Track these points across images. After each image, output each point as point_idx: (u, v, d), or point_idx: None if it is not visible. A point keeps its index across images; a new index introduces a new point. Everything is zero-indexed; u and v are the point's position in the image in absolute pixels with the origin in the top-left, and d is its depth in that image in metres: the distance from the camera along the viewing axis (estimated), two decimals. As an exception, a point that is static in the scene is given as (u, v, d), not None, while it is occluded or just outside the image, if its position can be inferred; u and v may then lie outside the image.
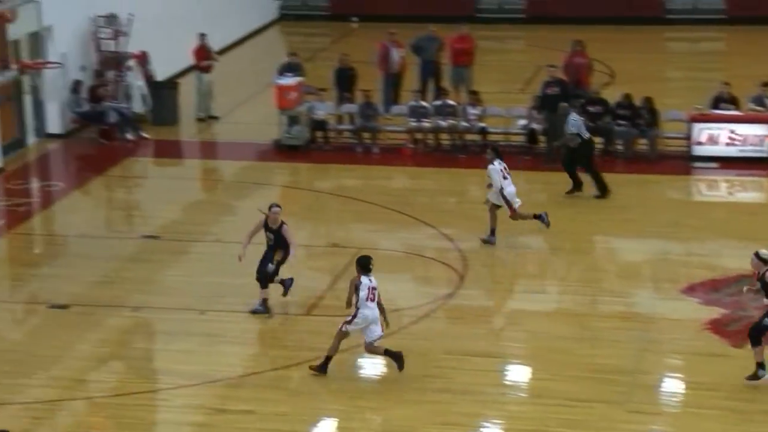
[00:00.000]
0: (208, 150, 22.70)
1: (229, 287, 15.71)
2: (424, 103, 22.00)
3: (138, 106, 23.16)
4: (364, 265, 13.37)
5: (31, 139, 21.81)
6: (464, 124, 21.55)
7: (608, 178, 19.37)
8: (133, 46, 23.30)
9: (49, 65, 17.67)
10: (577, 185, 19.11)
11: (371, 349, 13.39)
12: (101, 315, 14.94)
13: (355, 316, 13.27)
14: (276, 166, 21.03)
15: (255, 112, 23.90)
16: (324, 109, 21.95)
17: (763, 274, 12.86)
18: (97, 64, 23.02)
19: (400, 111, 22.43)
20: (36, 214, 18.79)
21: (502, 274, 16.53)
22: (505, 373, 13.71)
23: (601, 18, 30.99)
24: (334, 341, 13.33)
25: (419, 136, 21.79)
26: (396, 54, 23.37)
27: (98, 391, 13.10)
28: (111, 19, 22.95)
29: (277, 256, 15.06)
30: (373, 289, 13.31)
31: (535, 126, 21.40)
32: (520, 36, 31.86)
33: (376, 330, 13.29)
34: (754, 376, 12.92)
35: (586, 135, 19.03)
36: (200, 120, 23.44)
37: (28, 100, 21.70)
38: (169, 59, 25.19)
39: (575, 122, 18.93)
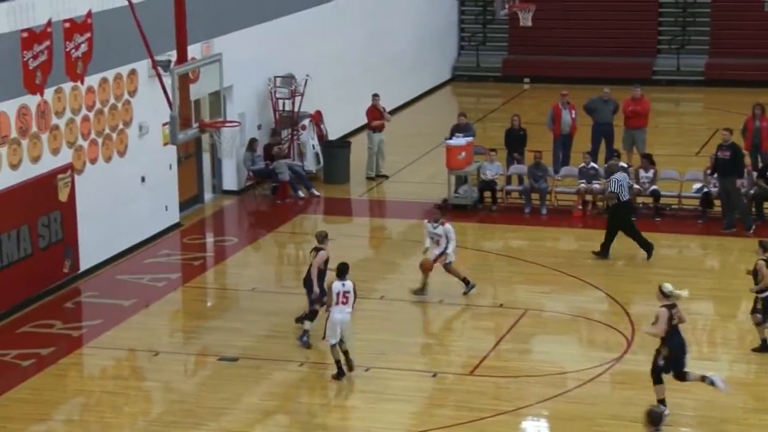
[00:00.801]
0: (377, 208, 22.96)
1: (393, 345, 15.80)
2: (595, 165, 21.79)
3: (310, 164, 23.68)
4: (340, 271, 14.59)
5: (208, 196, 22.52)
6: (636, 186, 21.21)
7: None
8: (307, 106, 23.88)
9: (228, 124, 18.22)
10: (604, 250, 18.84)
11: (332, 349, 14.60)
12: (269, 368, 15.18)
13: (327, 321, 14.62)
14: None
15: (424, 171, 24.08)
16: (493, 169, 21.97)
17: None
18: (273, 122, 23.66)
19: (569, 172, 22.28)
20: (210, 268, 19.30)
21: (671, 339, 16.10)
22: (673, 441, 13.34)
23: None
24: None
25: (589, 198, 21.57)
26: (567, 115, 23.26)
27: (263, 443, 13.33)
28: (288, 79, 23.58)
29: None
30: (345, 293, 14.48)
31: (710, 190, 20.93)
32: (698, 98, 31.27)
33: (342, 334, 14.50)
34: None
35: (625, 197, 18.83)
36: (370, 178, 23.78)
37: (206, 158, 22.47)
38: (342, 118, 25.71)
39: (618, 182, 18.73)
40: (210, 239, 20.98)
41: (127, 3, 16.65)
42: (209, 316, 17.35)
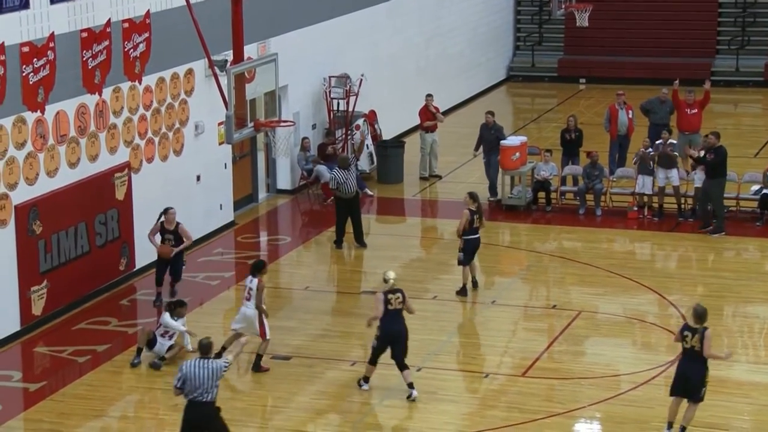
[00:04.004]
0: (430, 208, 22.94)
1: (445, 345, 15.82)
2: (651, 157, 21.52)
3: (364, 164, 23.72)
4: (253, 267, 15.18)
5: (262, 195, 22.64)
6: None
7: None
8: (361, 105, 23.92)
9: (283, 124, 18.31)
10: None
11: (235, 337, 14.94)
12: (321, 368, 15.24)
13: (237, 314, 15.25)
14: (496, 226, 21.01)
15: (478, 171, 23.99)
16: (548, 170, 21.88)
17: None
18: (327, 122, 23.74)
19: (624, 173, 22.13)
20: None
21: (728, 343, 15.93)
22: (728, 446, 13.21)
23: None
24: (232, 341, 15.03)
25: (644, 199, 21.39)
26: (624, 115, 23.09)
27: (313, 443, 13.39)
28: (343, 79, 23.63)
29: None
30: (249, 289, 14.92)
31: (768, 191, 20.73)
32: (758, 99, 30.92)
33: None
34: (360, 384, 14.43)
35: (350, 192, 19.64)
36: (424, 178, 23.78)
37: (261, 157, 22.60)
38: (396, 118, 25.73)
39: (335, 179, 19.53)
40: (264, 238, 21.09)
41: (185, 3, 16.80)
42: (263, 315, 17.44)
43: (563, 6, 26.39)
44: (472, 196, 17.44)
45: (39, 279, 16.46)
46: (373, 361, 14.35)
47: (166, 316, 15.51)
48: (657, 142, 21.46)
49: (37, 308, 16.48)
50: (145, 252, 18.51)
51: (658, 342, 15.98)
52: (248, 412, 14.05)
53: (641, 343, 16.13)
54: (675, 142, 21.50)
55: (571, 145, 22.52)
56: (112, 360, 15.51)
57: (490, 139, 22.23)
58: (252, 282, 15.04)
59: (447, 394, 14.44)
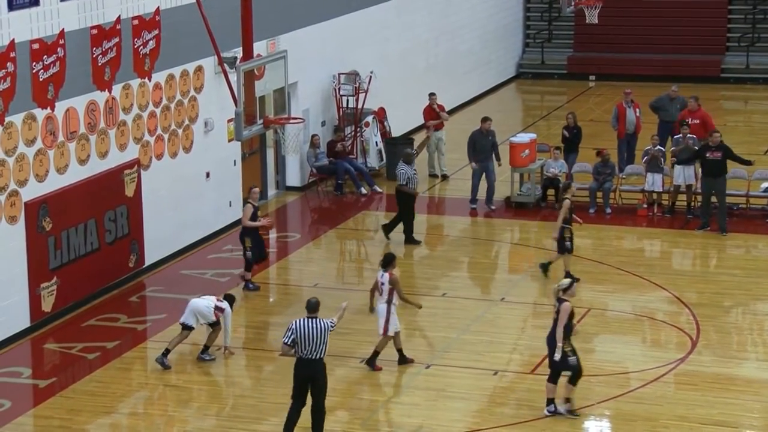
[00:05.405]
0: (438, 206, 22.93)
1: (455, 342, 15.81)
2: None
3: (373, 161, 23.72)
4: (383, 261, 15.03)
5: (271, 192, 22.65)
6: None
7: None
8: (371, 103, 23.92)
9: (293, 121, 18.31)
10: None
11: None
12: (330, 365, 15.04)
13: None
14: (505, 224, 21.03)
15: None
16: (557, 167, 21.85)
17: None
18: (336, 119, 23.74)
19: (634, 170, 22.10)
20: (273, 264, 19.41)
21: (738, 340, 15.95)
22: (738, 444, 13.19)
23: None
24: None
25: (654, 196, 21.35)
26: (632, 114, 23.05)
27: (325, 439, 13.39)
28: (352, 76, 23.64)
29: (248, 243, 17.49)
30: (381, 284, 14.79)
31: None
32: (768, 97, 30.93)
33: None
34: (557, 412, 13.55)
35: (412, 188, 19.61)
36: (432, 176, 23.76)
37: (270, 154, 22.61)
38: (405, 115, 25.71)
39: (404, 173, 19.48)
40: (273, 235, 21.06)
41: (194, 0, 16.81)
42: (272, 312, 17.46)
43: (572, 3, 26.35)
44: (564, 186, 18.34)
45: (49, 276, 16.50)
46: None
47: (229, 309, 15.47)
48: (676, 136, 21.42)
49: (47, 305, 16.51)
50: (155, 249, 18.54)
51: (668, 339, 15.95)
52: (258, 409, 14.07)
53: (651, 340, 16.11)
54: (695, 136, 21.43)
55: (569, 141, 22.50)
56: (122, 357, 15.54)
57: (486, 145, 21.72)
58: (383, 276, 14.90)
59: (456, 391, 14.43)
